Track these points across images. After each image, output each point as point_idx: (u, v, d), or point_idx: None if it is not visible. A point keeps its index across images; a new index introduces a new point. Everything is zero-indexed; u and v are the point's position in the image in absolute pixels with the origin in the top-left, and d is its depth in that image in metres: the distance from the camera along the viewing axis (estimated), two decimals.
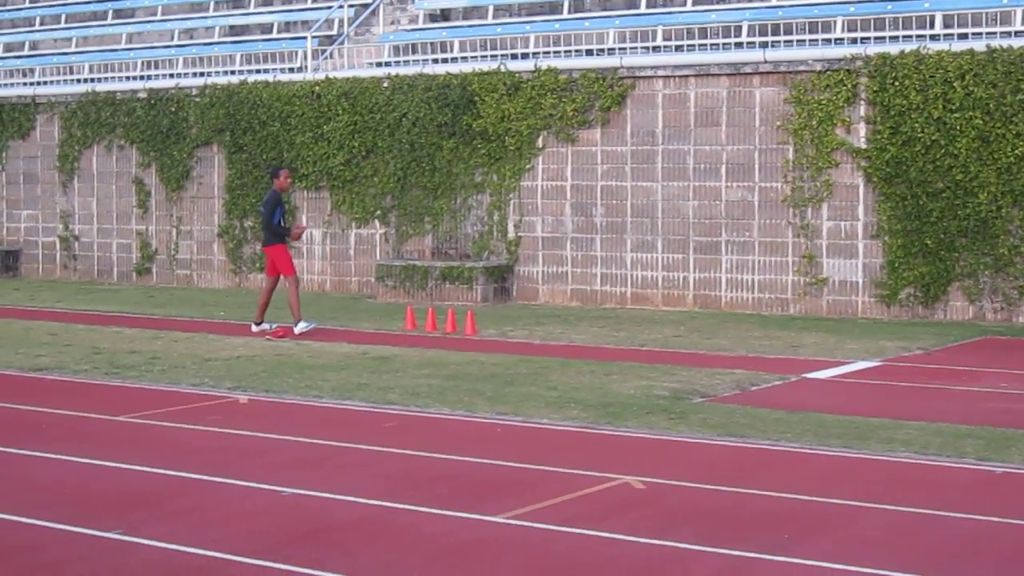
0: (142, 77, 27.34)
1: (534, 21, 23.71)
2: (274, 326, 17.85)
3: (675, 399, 12.43)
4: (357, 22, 26.01)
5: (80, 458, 10.08)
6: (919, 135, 18.88)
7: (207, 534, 7.89)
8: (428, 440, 10.69)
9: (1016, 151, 18.27)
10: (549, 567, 7.32)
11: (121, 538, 7.84)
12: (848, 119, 19.52)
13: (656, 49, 21.70)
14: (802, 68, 19.84)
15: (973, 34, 19.31)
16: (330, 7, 26.26)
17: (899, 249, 19.19)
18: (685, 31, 21.63)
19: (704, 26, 21.43)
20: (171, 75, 26.96)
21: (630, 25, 22.23)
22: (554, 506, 8.52)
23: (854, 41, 20.05)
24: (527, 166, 22.09)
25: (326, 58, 25.50)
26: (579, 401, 12.31)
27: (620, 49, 22.01)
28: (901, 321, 19.09)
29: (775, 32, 20.81)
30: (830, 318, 19.52)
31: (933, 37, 19.51)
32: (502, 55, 23.00)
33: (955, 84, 18.56)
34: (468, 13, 25.06)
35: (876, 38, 19.94)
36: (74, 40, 30.09)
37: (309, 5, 27.26)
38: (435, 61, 23.80)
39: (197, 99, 25.47)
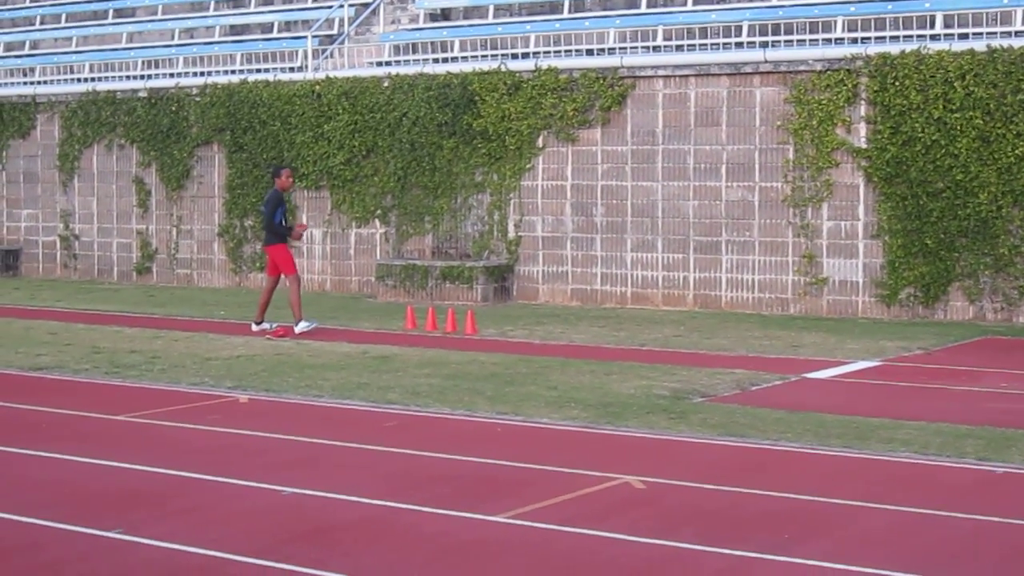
0: (142, 76, 27.34)
1: (534, 21, 23.71)
2: (274, 325, 17.85)
3: (675, 399, 12.43)
4: (357, 21, 26.01)
5: (80, 457, 10.08)
6: (919, 135, 18.88)
7: (207, 533, 7.89)
8: (428, 440, 10.70)
9: (1016, 151, 18.26)
10: (549, 567, 7.32)
11: (121, 537, 7.84)
12: (848, 119, 19.53)
13: (656, 49, 21.70)
14: (802, 68, 19.85)
15: (974, 34, 19.31)
16: (330, 7, 26.26)
17: (899, 249, 19.19)
18: (685, 31, 21.64)
19: (704, 26, 21.44)
20: (171, 74, 26.96)
21: (630, 25, 22.24)
22: (554, 506, 8.52)
23: (854, 41, 20.05)
24: (527, 166, 22.09)
25: (326, 57, 25.50)
26: (579, 401, 12.32)
27: (620, 49, 22.01)
28: (901, 321, 19.09)
29: (775, 32, 20.81)
30: (830, 318, 19.52)
31: (933, 37, 19.51)
32: (502, 55, 23.00)
33: (955, 84, 18.56)
34: (468, 12, 25.06)
35: (876, 38, 19.94)
36: (74, 39, 30.09)
37: (309, 5, 27.25)
38: (435, 60, 23.80)
39: (197, 98, 25.48)
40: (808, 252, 19.92)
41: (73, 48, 29.84)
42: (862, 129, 19.49)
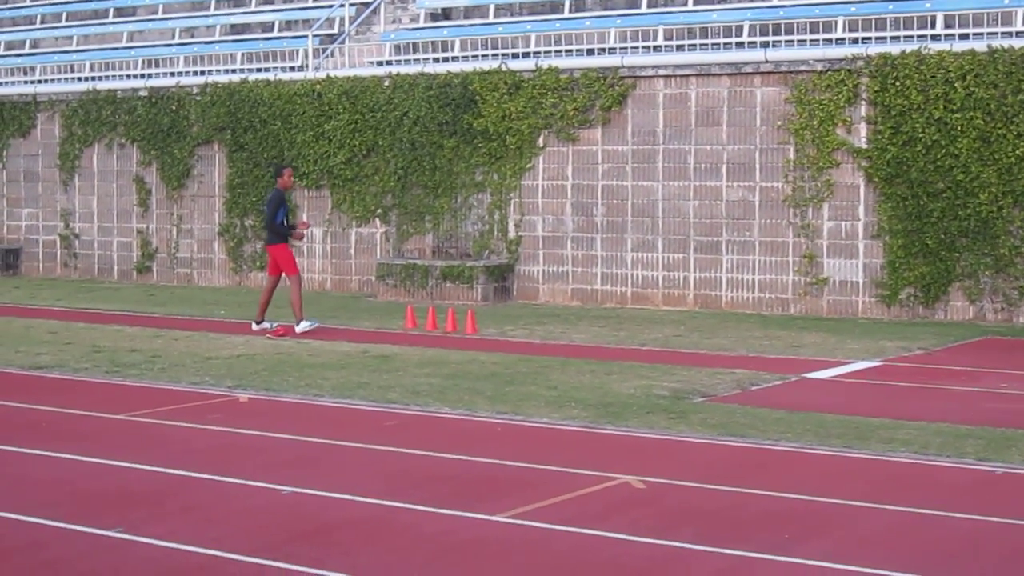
0: (143, 75, 27.34)
1: (535, 20, 23.71)
2: (275, 325, 17.85)
3: (675, 399, 12.43)
4: (358, 21, 26.01)
5: (80, 456, 10.08)
6: (920, 135, 18.88)
7: (207, 532, 7.89)
8: (428, 439, 10.70)
9: (1017, 151, 18.26)
10: (549, 566, 7.32)
11: (121, 536, 7.84)
12: (849, 119, 19.52)
13: (657, 49, 21.70)
14: (803, 68, 19.85)
15: (974, 34, 19.31)
16: (331, 6, 26.26)
17: (900, 249, 19.19)
18: (686, 31, 21.64)
19: (705, 26, 21.43)
20: (172, 73, 26.96)
21: (631, 24, 22.24)
22: (554, 505, 8.52)
23: (855, 41, 20.05)
24: (528, 165, 22.09)
25: (327, 57, 25.50)
26: (579, 400, 12.32)
27: (621, 48, 22.01)
28: (901, 321, 19.09)
29: (776, 32, 20.81)
30: (830, 318, 19.51)
31: (934, 37, 19.51)
32: (503, 54, 23.00)
33: (956, 84, 18.56)
34: (469, 12, 25.06)
35: (877, 38, 19.94)
36: (75, 38, 30.09)
37: (310, 4, 27.24)
38: (436, 60, 23.80)
39: (198, 97, 25.48)
40: (808, 252, 19.92)
41: (74, 47, 29.84)
42: (863, 129, 19.49)
